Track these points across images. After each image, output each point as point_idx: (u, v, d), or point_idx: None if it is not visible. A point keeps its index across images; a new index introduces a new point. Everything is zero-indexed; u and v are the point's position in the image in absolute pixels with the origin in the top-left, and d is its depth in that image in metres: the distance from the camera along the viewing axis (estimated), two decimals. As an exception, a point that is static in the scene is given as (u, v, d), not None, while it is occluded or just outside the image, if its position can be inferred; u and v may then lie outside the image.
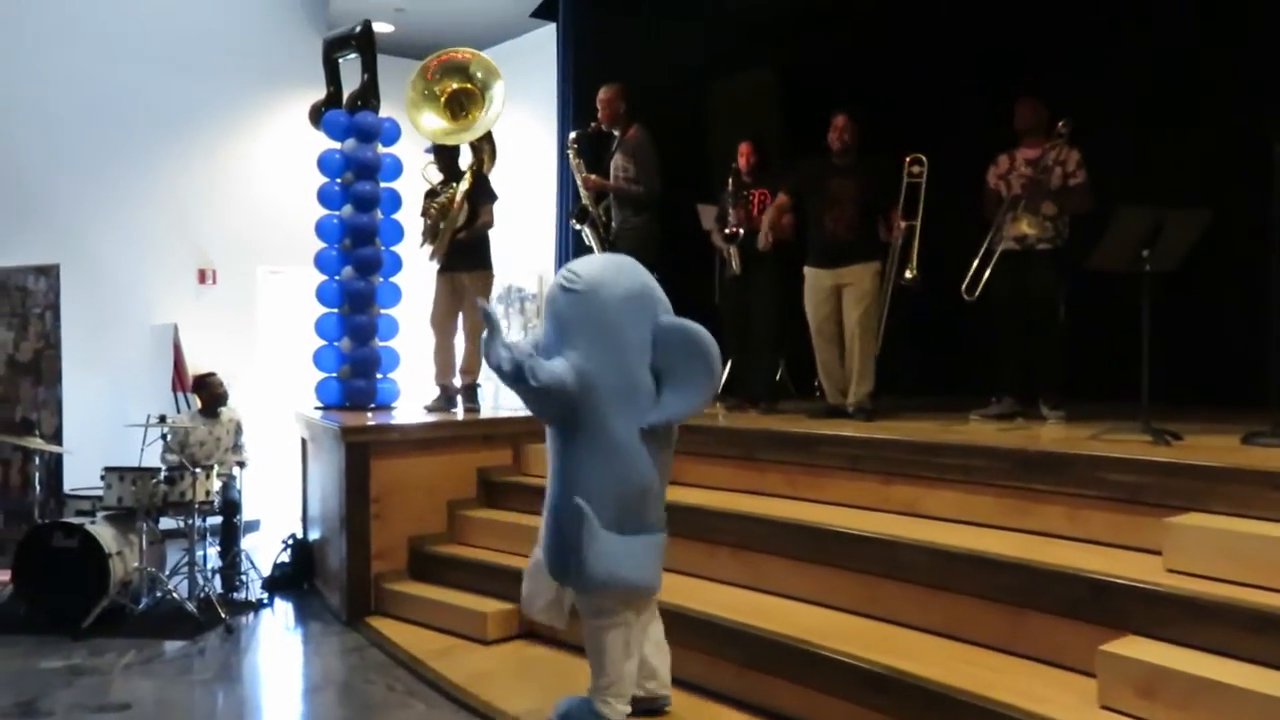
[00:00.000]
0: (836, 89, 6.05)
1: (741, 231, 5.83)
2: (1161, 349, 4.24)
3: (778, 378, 6.47)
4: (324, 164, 6.54)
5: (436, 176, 6.43)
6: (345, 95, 6.71)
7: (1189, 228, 4.19)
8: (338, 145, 6.56)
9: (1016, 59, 6.14)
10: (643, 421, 3.35)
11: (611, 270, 3.47)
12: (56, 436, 6.71)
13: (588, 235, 6.27)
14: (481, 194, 6.26)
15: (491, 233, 6.37)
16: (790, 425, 5.04)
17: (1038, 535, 3.71)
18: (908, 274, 5.33)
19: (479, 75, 6.32)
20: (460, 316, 6.32)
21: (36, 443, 5.98)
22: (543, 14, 8.04)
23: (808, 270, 5.55)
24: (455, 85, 6.33)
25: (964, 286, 5.04)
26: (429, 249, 6.29)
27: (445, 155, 6.38)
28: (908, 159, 5.32)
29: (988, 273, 5.05)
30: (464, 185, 6.18)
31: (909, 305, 5.72)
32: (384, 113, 6.61)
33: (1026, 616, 3.33)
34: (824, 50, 7.00)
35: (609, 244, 6.17)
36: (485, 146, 6.46)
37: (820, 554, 3.99)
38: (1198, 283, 4.86)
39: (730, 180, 5.99)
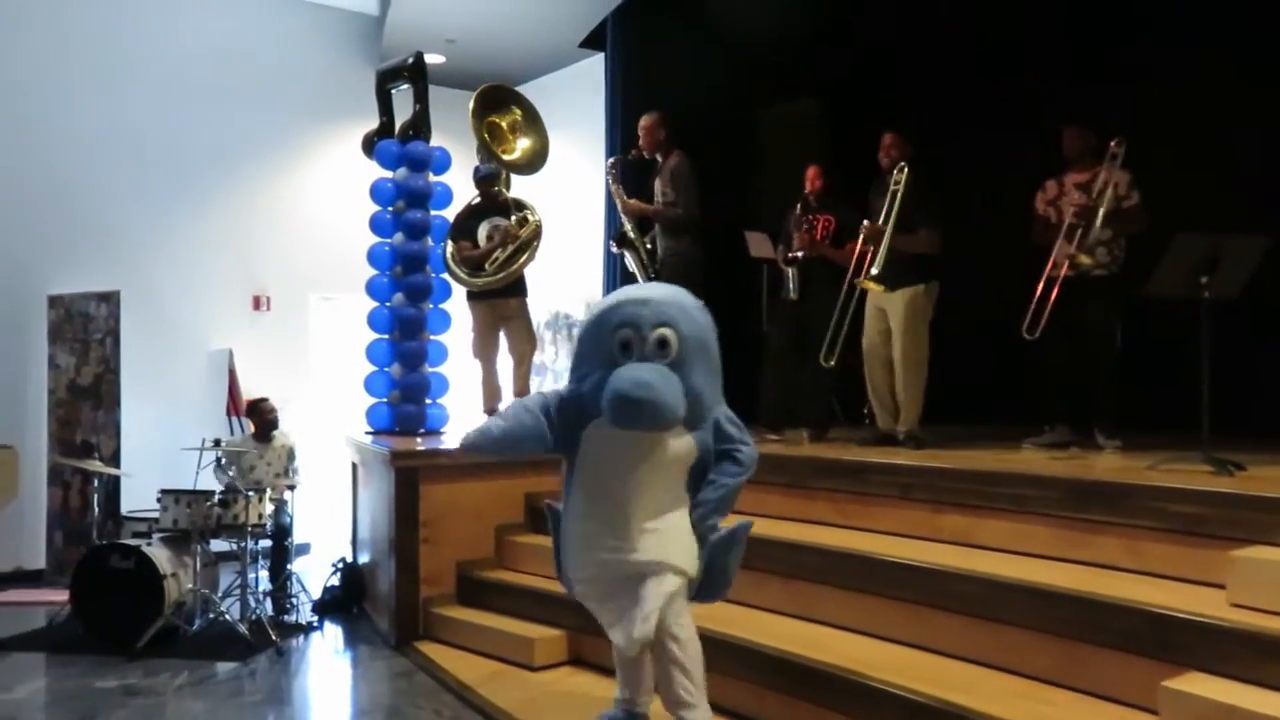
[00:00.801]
0: (887, 114, 6.03)
1: (801, 255, 5.83)
2: (1222, 376, 4.14)
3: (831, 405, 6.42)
4: (376, 192, 6.65)
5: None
6: (397, 125, 6.83)
7: (1247, 254, 4.11)
8: (390, 174, 6.67)
9: (1063, 82, 6.11)
10: None
11: None
12: (115, 459, 6.87)
13: (629, 260, 6.32)
14: None
15: (538, 259, 6.50)
16: (839, 453, 5.00)
17: (1094, 567, 3.63)
18: (874, 271, 5.15)
19: (521, 125, 6.51)
20: (504, 342, 6.41)
21: (96, 465, 6.12)
22: (590, 44, 8.15)
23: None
24: (505, 120, 6.51)
25: (1025, 327, 4.94)
26: (485, 277, 6.34)
27: (493, 181, 6.49)
28: (896, 168, 5.29)
29: (1036, 302, 4.97)
30: (537, 217, 6.30)
31: (961, 330, 5.66)
32: (435, 142, 6.71)
33: (1083, 650, 3.25)
34: (873, 76, 7.02)
35: (653, 270, 6.22)
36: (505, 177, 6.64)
37: (870, 584, 3.94)
38: (1259, 308, 4.75)
39: (799, 204, 5.99)
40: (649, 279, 6.19)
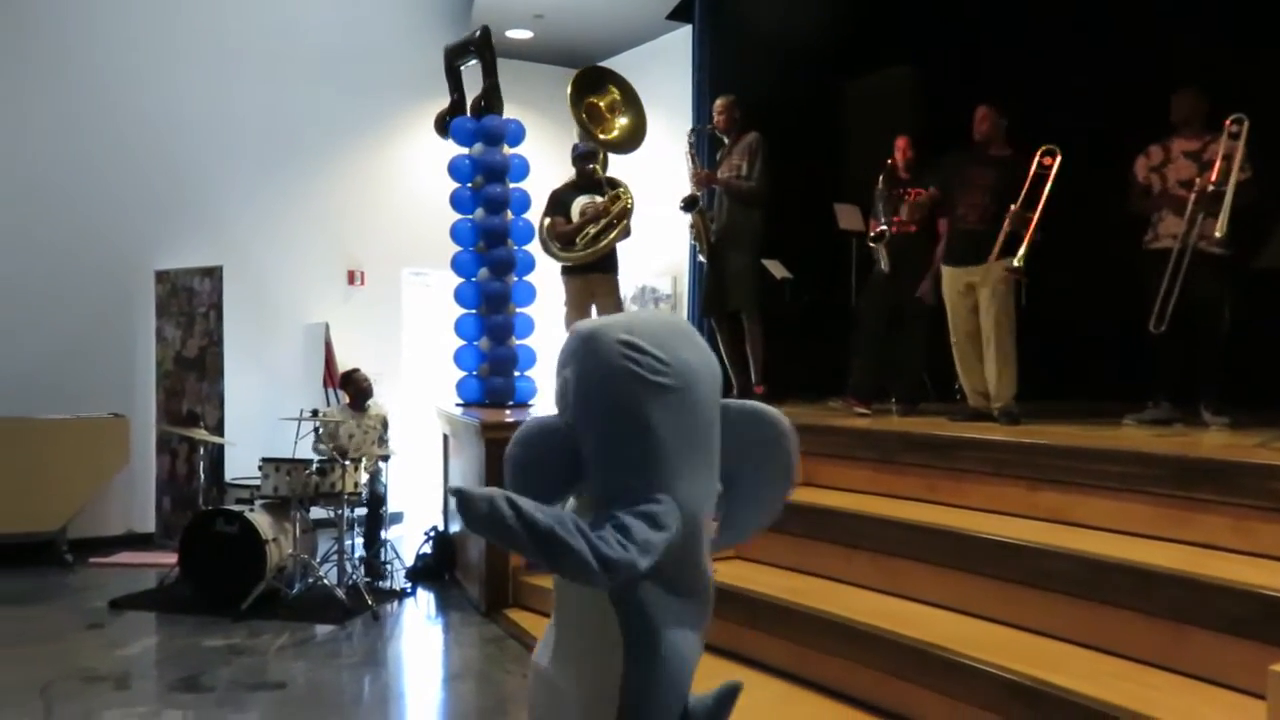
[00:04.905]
0: (978, 88, 5.87)
1: (889, 230, 5.71)
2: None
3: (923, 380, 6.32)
4: (454, 169, 6.72)
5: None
6: (469, 101, 6.87)
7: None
8: (466, 150, 6.72)
9: (1165, 52, 5.84)
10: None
11: (693, 346, 2.22)
12: (219, 428, 7.11)
13: (692, 227, 6.29)
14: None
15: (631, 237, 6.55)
16: (931, 428, 4.91)
17: (1200, 547, 3.50)
18: (1014, 263, 4.90)
19: (619, 105, 6.53)
20: (594, 316, 6.47)
21: (201, 434, 6.35)
22: (678, 16, 8.09)
23: (944, 269, 5.40)
24: (603, 101, 6.54)
25: (1152, 323, 4.73)
26: (575, 252, 6.40)
27: (590, 159, 6.53)
28: (1040, 149, 5.05)
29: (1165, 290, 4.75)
30: (630, 197, 6.35)
31: (1058, 304, 5.49)
32: (518, 115, 6.75)
33: (1187, 632, 3.15)
34: (966, 49, 6.84)
35: (709, 241, 6.23)
36: (602, 156, 6.67)
37: (962, 561, 3.87)
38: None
39: (882, 178, 5.87)
40: (705, 249, 6.28)
